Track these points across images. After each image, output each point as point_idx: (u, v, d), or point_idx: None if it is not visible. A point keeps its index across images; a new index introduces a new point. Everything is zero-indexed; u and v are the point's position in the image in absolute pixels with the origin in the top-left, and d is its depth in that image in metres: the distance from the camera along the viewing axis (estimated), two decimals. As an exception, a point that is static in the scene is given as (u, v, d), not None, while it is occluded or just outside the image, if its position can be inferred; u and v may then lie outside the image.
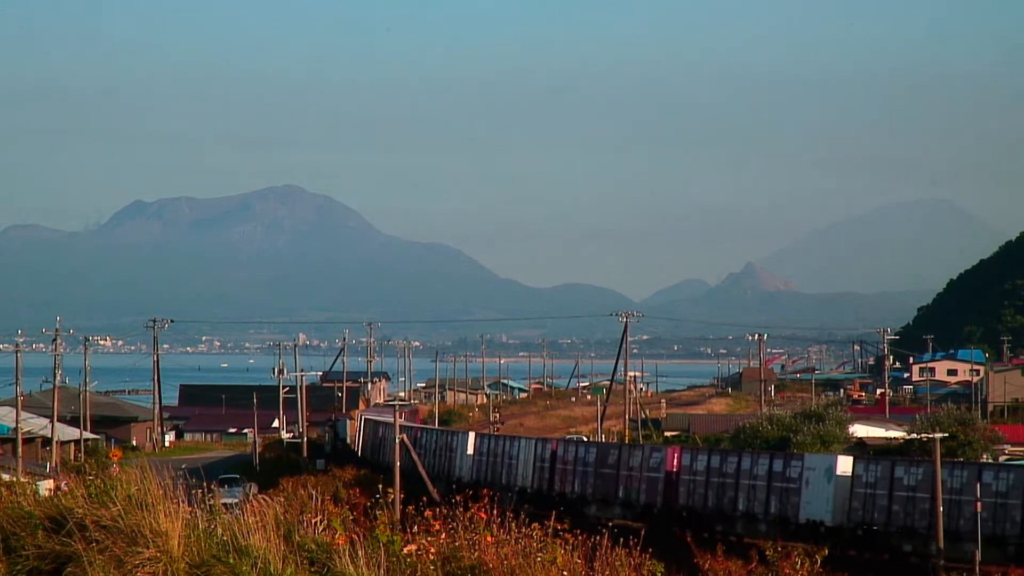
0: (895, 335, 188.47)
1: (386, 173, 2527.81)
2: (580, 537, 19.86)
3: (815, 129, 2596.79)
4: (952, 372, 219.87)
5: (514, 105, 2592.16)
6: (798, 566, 28.11)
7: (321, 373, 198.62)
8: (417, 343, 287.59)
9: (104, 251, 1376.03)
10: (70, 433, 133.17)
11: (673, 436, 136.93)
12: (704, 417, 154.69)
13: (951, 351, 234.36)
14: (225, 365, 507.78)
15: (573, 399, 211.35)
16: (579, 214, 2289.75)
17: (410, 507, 20.96)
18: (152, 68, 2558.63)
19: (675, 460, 72.04)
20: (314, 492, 27.41)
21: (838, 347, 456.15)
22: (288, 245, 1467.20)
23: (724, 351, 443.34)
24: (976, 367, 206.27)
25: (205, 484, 19.02)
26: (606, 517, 71.48)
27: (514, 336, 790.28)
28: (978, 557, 53.19)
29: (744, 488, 67.43)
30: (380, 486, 23.19)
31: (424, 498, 24.70)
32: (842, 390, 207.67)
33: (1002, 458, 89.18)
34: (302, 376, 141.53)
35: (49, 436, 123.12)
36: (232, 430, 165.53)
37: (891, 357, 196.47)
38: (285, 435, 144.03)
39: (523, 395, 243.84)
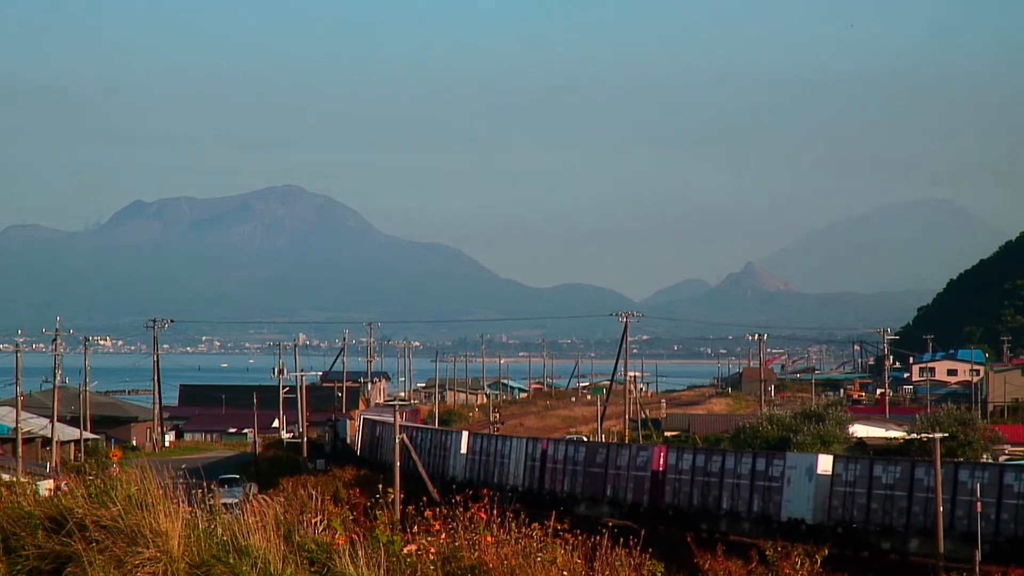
0: (895, 335, 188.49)
1: (386, 173, 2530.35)
2: (580, 537, 19.87)
3: (815, 129, 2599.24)
4: (952, 372, 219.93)
5: (514, 105, 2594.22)
6: (798, 566, 28.11)
7: (321, 373, 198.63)
8: (417, 343, 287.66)
9: (104, 251, 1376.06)
10: (70, 433, 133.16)
11: (673, 436, 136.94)
12: (704, 417, 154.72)
13: (951, 351, 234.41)
14: (225, 365, 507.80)
15: (573, 399, 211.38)
16: (579, 214, 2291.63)
17: (410, 507, 20.95)
18: (152, 68, 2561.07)
19: (661, 459, 72.84)
20: (314, 492, 27.40)
21: (838, 347, 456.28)
22: (288, 245, 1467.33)
23: (724, 351, 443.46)
24: (976, 367, 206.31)
25: (205, 484, 19.01)
26: (594, 515, 72.58)
27: (514, 336, 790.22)
28: (978, 557, 53.23)
29: (728, 487, 68.18)
30: (380, 486, 23.18)
31: (424, 498, 24.71)
32: (842, 390, 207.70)
33: (1002, 458, 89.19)
34: (302, 376, 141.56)
35: (49, 436, 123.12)
36: (232, 430, 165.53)
37: (891, 357, 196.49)
38: (285, 435, 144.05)
39: (523, 395, 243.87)
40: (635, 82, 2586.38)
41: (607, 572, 19.59)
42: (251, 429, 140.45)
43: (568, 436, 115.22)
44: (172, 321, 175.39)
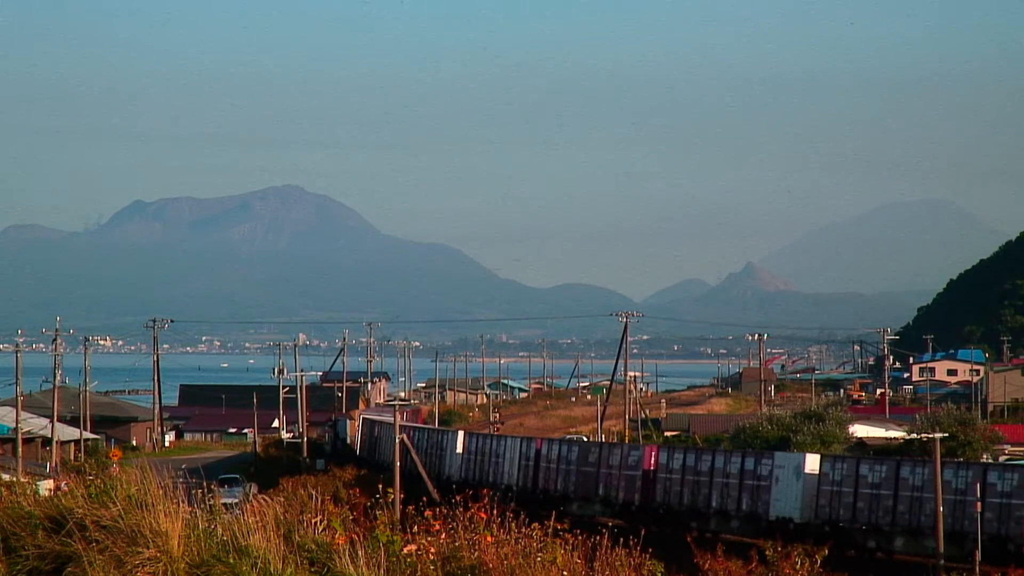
0: (895, 335, 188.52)
1: (386, 173, 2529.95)
2: (580, 537, 19.87)
3: (815, 129, 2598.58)
4: (952, 372, 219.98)
5: (514, 105, 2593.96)
6: (798, 566, 28.12)
7: (321, 373, 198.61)
8: (417, 343, 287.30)
9: (104, 251, 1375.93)
10: (70, 433, 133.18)
11: (673, 436, 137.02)
12: (704, 417, 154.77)
13: (951, 351, 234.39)
14: (225, 365, 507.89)
15: (573, 399, 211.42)
16: (579, 214, 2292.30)
17: (410, 507, 20.95)
18: (152, 68, 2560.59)
19: (652, 459, 73.43)
20: (314, 492, 27.42)
21: (838, 347, 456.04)
22: (288, 245, 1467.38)
23: (724, 351, 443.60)
24: (976, 367, 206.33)
25: (205, 484, 19.02)
26: (587, 515, 73.20)
27: (514, 336, 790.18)
28: (978, 557, 53.27)
29: (718, 486, 68.80)
30: (380, 486, 23.18)
31: (424, 498, 24.70)
32: (842, 390, 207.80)
33: (1002, 458, 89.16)
34: (302, 376, 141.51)
35: (49, 436, 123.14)
36: (232, 430, 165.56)
37: (891, 357, 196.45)
38: (285, 435, 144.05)
39: (523, 395, 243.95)
40: (635, 82, 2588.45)
41: (607, 572, 19.60)
42: (251, 429, 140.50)
43: (568, 436, 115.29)
44: (172, 321, 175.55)
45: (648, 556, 20.29)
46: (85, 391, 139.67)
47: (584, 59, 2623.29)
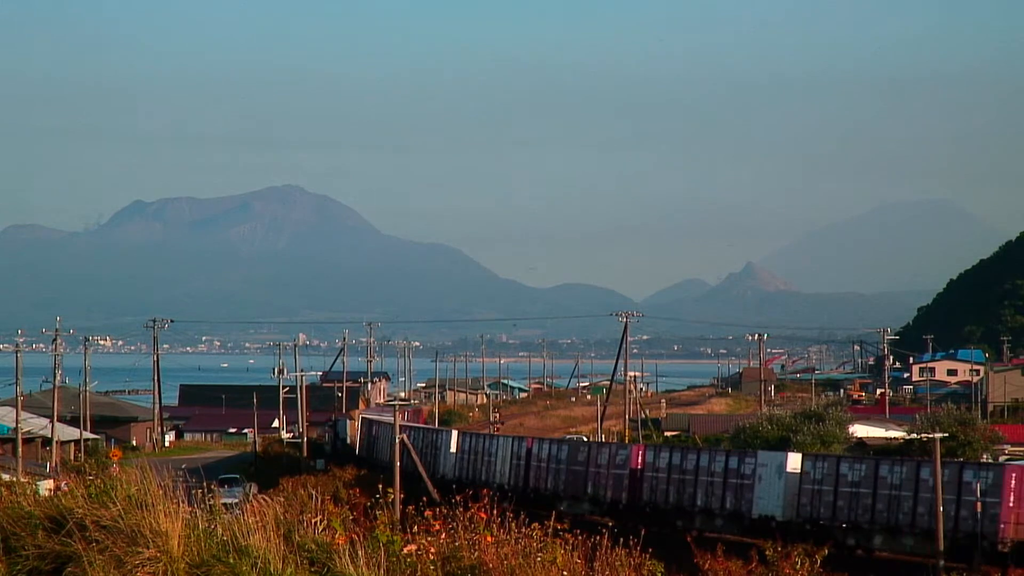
0: (895, 335, 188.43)
1: (386, 173, 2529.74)
2: (580, 537, 19.87)
3: (815, 129, 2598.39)
4: (952, 372, 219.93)
5: (514, 105, 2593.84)
6: (798, 566, 28.14)
7: (321, 373, 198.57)
8: (417, 343, 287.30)
9: (104, 251, 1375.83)
10: (70, 433, 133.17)
11: (673, 436, 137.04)
12: (704, 417, 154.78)
13: (951, 351, 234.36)
14: (225, 365, 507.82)
15: (573, 399, 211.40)
16: (579, 214, 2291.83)
17: (410, 507, 20.95)
18: (152, 68, 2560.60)
19: (639, 457, 74.01)
20: (314, 492, 27.40)
21: (838, 347, 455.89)
22: (288, 245, 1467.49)
23: (724, 351, 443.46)
24: (976, 367, 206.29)
25: (205, 484, 19.01)
26: (576, 513, 73.56)
27: (514, 336, 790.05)
28: (979, 557, 53.29)
29: (703, 484, 69.33)
30: (380, 486, 23.17)
31: (424, 498, 24.70)
32: (842, 390, 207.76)
33: (1002, 458, 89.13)
34: (302, 376, 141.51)
35: (49, 436, 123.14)
36: (232, 430, 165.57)
37: (891, 357, 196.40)
38: (285, 435, 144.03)
39: (523, 395, 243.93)
40: (635, 82, 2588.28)
41: (607, 572, 19.59)
42: (251, 429, 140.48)
43: (568, 436, 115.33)
44: (172, 321, 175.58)
45: (648, 556, 20.29)
46: (85, 391, 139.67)
47: (584, 59, 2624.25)
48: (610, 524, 27.12)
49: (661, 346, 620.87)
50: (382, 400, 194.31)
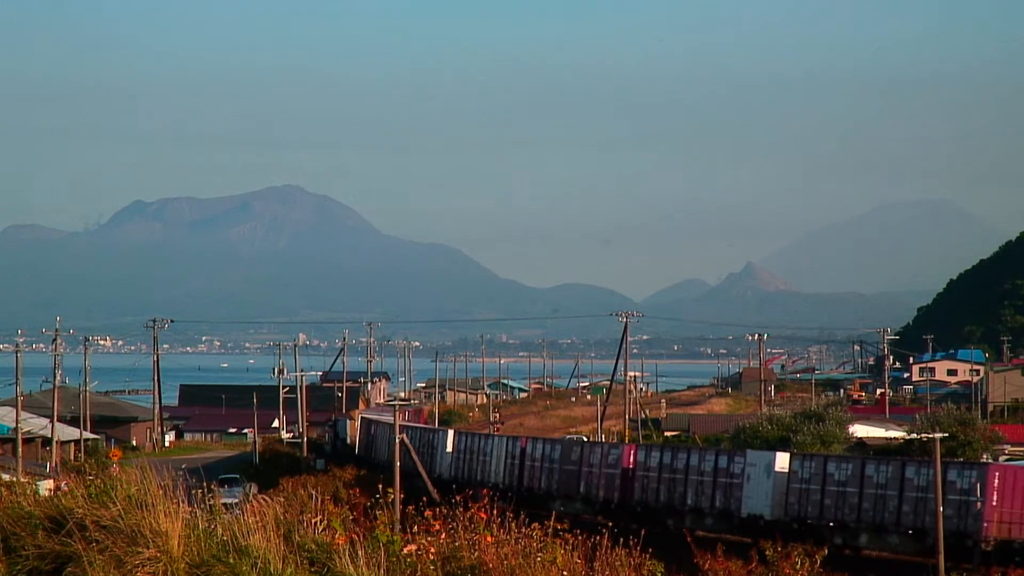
0: (895, 335, 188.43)
1: (386, 173, 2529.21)
2: (580, 537, 19.86)
3: (815, 129, 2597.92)
4: (952, 372, 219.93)
5: (514, 105, 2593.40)
6: (798, 566, 28.13)
7: (321, 373, 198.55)
8: (417, 343, 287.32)
9: (104, 251, 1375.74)
10: (70, 433, 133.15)
11: (673, 436, 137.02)
12: (704, 417, 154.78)
13: (951, 351, 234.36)
14: (225, 365, 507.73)
15: (573, 399, 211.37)
16: (579, 214, 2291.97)
17: (410, 507, 20.95)
18: (152, 68, 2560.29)
19: (631, 457, 74.57)
20: (314, 492, 27.40)
21: (838, 347, 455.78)
22: (288, 245, 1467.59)
23: (724, 351, 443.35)
24: (976, 367, 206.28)
25: (205, 484, 19.01)
26: (569, 512, 73.77)
27: (514, 336, 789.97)
28: (978, 558, 53.32)
29: (693, 483, 69.95)
30: (380, 486, 23.17)
31: (424, 498, 24.70)
32: (842, 390, 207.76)
33: (1002, 458, 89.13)
34: (302, 376, 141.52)
35: (49, 436, 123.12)
36: (232, 430, 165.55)
37: (891, 357, 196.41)
38: (285, 435, 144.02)
39: (523, 395, 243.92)
40: (635, 82, 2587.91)
41: (607, 572, 19.59)
42: (251, 429, 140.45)
43: (568, 436, 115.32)
44: (172, 321, 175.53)
45: (648, 556, 20.28)
46: (85, 391, 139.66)
47: (584, 59, 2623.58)
48: (609, 524, 27.09)
49: (661, 346, 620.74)
50: (382, 400, 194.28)
